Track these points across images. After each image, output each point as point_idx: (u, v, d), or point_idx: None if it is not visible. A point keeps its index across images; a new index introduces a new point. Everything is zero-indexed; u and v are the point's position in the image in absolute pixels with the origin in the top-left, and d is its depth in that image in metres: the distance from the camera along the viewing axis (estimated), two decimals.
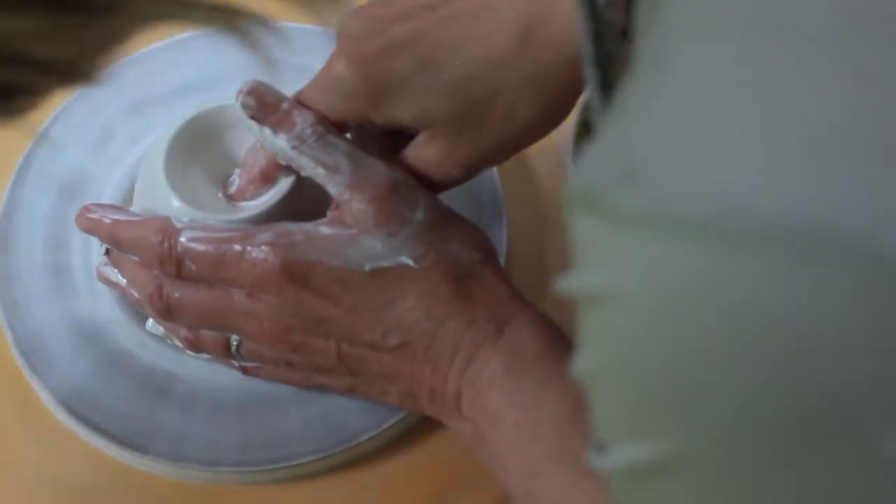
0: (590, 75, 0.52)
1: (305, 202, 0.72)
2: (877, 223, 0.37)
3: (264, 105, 0.70)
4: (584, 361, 0.44)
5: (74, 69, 0.47)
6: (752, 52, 0.40)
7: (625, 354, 0.41)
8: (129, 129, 0.82)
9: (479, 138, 0.69)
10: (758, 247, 0.38)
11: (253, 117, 0.70)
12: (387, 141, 0.72)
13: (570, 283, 0.43)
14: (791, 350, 0.38)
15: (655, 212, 0.40)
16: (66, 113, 0.82)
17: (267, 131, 0.70)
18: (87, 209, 0.74)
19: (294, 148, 0.70)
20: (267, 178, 0.72)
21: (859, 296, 0.37)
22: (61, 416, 0.74)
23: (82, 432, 0.74)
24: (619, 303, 0.41)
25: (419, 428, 0.74)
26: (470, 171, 0.71)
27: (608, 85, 0.52)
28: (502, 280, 0.71)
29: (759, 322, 0.38)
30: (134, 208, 0.75)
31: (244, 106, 0.70)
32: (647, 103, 0.42)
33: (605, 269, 0.41)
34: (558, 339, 0.69)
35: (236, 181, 0.74)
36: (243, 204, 0.73)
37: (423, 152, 0.70)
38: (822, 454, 0.39)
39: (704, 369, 0.39)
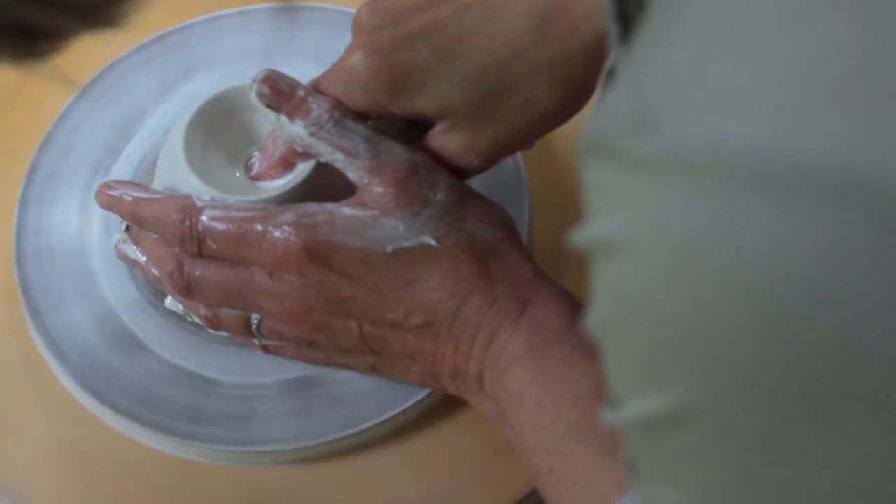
0: (611, 29, 0.51)
1: (327, 183, 0.71)
2: (892, 163, 0.37)
3: (279, 93, 0.70)
4: (597, 313, 0.43)
5: (98, 12, 0.46)
6: None
7: (638, 303, 0.41)
8: (160, 106, 0.81)
9: (498, 127, 0.69)
10: (773, 190, 0.37)
11: (269, 106, 0.70)
12: (407, 129, 0.71)
13: (582, 234, 0.42)
14: (809, 296, 0.38)
15: (668, 156, 0.39)
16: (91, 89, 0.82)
17: (283, 119, 0.70)
18: (107, 185, 0.74)
19: (312, 134, 0.69)
20: (287, 163, 0.72)
21: (877, 237, 0.37)
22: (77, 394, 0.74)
23: (105, 415, 0.74)
24: (631, 250, 0.40)
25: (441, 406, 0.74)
26: (491, 159, 0.71)
27: (628, 40, 0.52)
28: (525, 258, 0.70)
29: (776, 267, 0.38)
30: (155, 186, 0.75)
31: (259, 95, 0.70)
32: (659, 48, 0.41)
33: (616, 216, 0.41)
34: (581, 316, 0.69)
35: (256, 164, 0.73)
36: (264, 184, 0.73)
37: (443, 142, 0.70)
38: (838, 403, 0.38)
39: (721, 316, 0.39)
